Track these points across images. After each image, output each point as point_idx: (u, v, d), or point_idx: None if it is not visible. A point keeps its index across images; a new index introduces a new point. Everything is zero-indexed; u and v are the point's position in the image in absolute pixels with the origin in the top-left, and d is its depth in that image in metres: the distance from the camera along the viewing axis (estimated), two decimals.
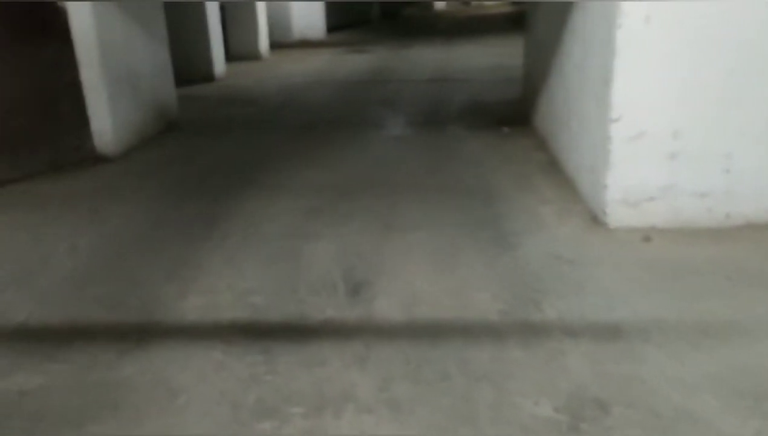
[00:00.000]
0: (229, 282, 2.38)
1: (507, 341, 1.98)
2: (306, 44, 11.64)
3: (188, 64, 7.26)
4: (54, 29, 3.77)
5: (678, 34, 2.53)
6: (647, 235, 2.66)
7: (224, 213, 3.09)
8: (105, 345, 2.00)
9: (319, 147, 4.32)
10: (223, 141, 4.62)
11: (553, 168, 3.61)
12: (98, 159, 4.05)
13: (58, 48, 3.81)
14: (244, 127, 5.11)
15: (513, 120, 4.82)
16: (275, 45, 10.68)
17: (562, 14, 3.53)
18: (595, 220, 2.82)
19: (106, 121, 4.06)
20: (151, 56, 4.73)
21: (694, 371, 1.81)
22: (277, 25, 11.24)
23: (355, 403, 1.72)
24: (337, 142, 4.47)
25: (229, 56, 9.11)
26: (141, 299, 2.27)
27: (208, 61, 7.37)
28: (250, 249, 2.67)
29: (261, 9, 9.44)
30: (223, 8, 8.11)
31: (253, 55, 9.41)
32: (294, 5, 11.63)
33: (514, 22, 13.38)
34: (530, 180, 3.46)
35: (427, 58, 8.96)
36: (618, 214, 2.72)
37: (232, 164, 4.00)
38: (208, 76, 7.36)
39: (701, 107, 2.61)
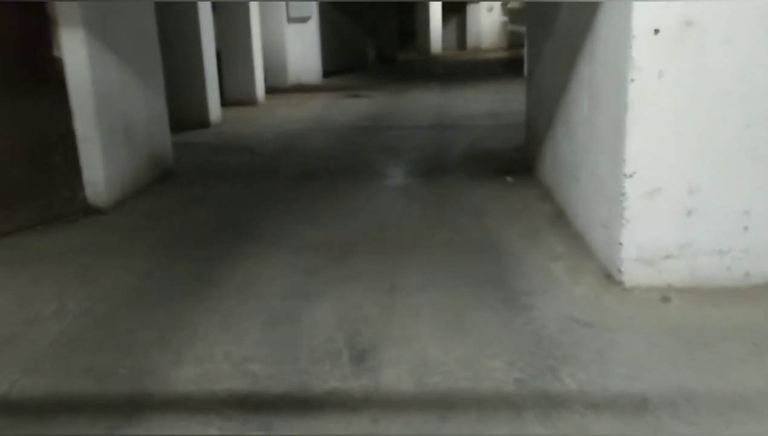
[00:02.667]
0: (226, 349, 2.23)
1: (525, 415, 1.84)
2: (302, 89, 11.67)
3: (184, 110, 7.21)
4: (49, 79, 3.70)
5: (692, 88, 2.46)
6: (665, 295, 2.54)
7: (220, 272, 2.96)
8: (92, 420, 1.85)
9: (317, 199, 4.22)
10: (219, 191, 4.51)
11: (560, 221, 3.51)
12: (90, 211, 3.93)
13: (52, 98, 3.72)
14: (240, 176, 5.02)
15: (516, 169, 4.74)
16: (271, 89, 10.70)
17: (566, 63, 3.48)
18: (609, 278, 2.70)
19: (99, 172, 3.95)
20: (146, 105, 4.66)
21: None
22: (273, 69, 11.28)
23: None
24: (337, 193, 4.37)
25: (225, 101, 9.09)
26: (132, 368, 2.12)
27: (204, 108, 7.33)
28: (248, 312, 2.53)
29: (257, 53, 9.47)
30: (218, 53, 8.11)
31: (249, 100, 9.39)
32: (290, 49, 11.70)
33: (511, 67, 13.52)
34: (538, 234, 3.35)
35: (425, 104, 8.96)
36: (634, 272, 2.60)
37: (227, 217, 3.88)
38: (204, 123, 7.31)
39: (718, 163, 2.52)
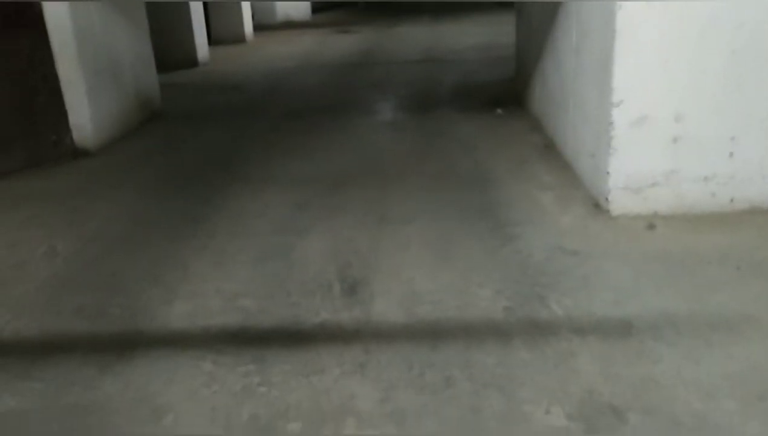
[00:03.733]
0: (218, 285, 2.25)
1: (513, 342, 1.88)
2: (291, 25, 11.40)
3: (170, 50, 7.04)
4: (27, 21, 3.59)
5: (680, 15, 2.41)
6: (651, 222, 2.56)
7: (210, 209, 2.96)
8: (84, 360, 1.87)
9: (306, 135, 4.18)
10: (208, 130, 4.47)
11: (549, 152, 3.50)
12: (78, 153, 3.89)
13: (31, 41, 3.62)
14: (229, 115, 4.96)
15: (506, 101, 4.69)
16: (259, 27, 10.44)
17: None
18: (597, 207, 2.72)
19: (84, 114, 3.89)
20: (131, 44, 4.54)
21: (711, 371, 1.71)
22: (261, 6, 10.99)
23: (356, 417, 1.61)
24: (326, 129, 4.33)
25: (213, 40, 8.89)
26: (123, 306, 2.14)
27: (191, 47, 7.16)
28: (239, 248, 2.55)
29: None
30: None
31: (237, 38, 9.18)
32: None
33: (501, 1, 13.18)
34: (527, 165, 3.34)
35: (415, 38, 8.78)
36: (620, 201, 2.61)
37: (216, 156, 3.85)
38: (192, 62, 7.16)
39: (705, 90, 2.50)
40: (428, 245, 2.49)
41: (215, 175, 3.46)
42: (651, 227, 2.54)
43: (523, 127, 4.06)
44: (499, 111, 4.48)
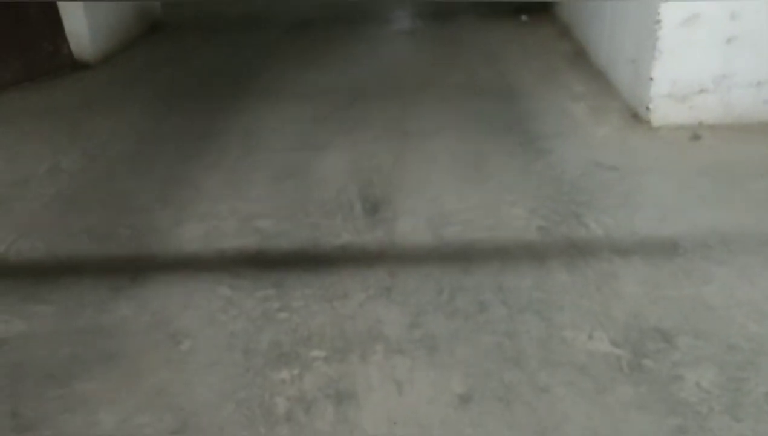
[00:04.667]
0: (232, 205, 2.12)
1: (550, 264, 1.75)
2: None
3: None
4: None
5: None
6: (696, 133, 2.37)
7: (220, 124, 2.78)
8: (95, 282, 1.77)
9: (320, 46, 3.93)
10: (213, 42, 4.21)
11: (580, 60, 3.26)
12: (76, 65, 3.68)
13: None
14: (235, 25, 4.67)
15: (532, 6, 4.37)
16: None
17: None
18: (635, 117, 2.52)
19: (81, 23, 3.65)
20: None
21: (767, 292, 1.58)
22: None
23: (384, 343, 1.51)
24: (342, 40, 4.06)
25: None
26: (133, 227, 2.02)
27: None
28: (253, 165, 2.40)
29: None
30: None
31: None
32: None
33: None
34: (556, 74, 3.11)
35: None
36: (663, 109, 2.41)
37: (224, 68, 3.63)
38: None
39: None
40: (454, 161, 2.32)
41: (225, 88, 3.26)
42: (696, 137, 2.35)
43: (551, 34, 3.78)
44: (523, 17, 4.18)
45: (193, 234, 1.96)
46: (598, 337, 1.49)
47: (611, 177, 2.13)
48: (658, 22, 2.28)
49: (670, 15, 2.27)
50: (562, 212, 1.95)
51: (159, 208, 2.11)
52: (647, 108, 2.43)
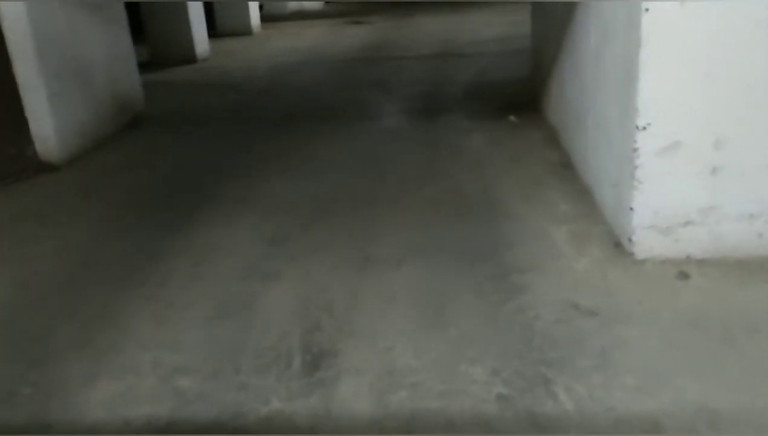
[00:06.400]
0: (157, 354, 1.87)
1: None
2: (302, 15, 11.00)
3: (166, 45, 6.71)
4: None
5: (723, 18, 1.96)
6: (683, 270, 2.13)
7: (171, 243, 2.58)
8: None
9: (298, 145, 3.79)
10: (191, 139, 4.09)
11: (567, 172, 3.06)
12: (42, 168, 3.54)
13: None
14: (219, 119, 4.58)
15: (522, 105, 4.25)
16: (269, 18, 10.06)
17: None
18: (618, 247, 2.29)
19: (47, 123, 3.53)
20: (105, 42, 4.17)
21: None
22: None
23: None
24: (320, 138, 3.93)
25: (217, 32, 8.55)
26: (38, 385, 1.77)
27: (189, 41, 6.78)
28: (194, 298, 2.17)
29: None
30: None
31: (244, 31, 8.80)
32: None
33: None
34: (541, 189, 2.91)
35: (430, 30, 8.31)
36: (647, 242, 2.18)
37: (193, 171, 3.48)
38: (190, 58, 6.78)
39: (751, 109, 2.05)
40: (415, 300, 2.08)
41: (187, 196, 3.08)
42: (683, 275, 2.11)
43: (539, 138, 3.61)
44: (512, 118, 4.04)
45: (102, 395, 1.71)
46: None
47: (589, 326, 1.88)
48: (635, 150, 2.08)
49: (647, 143, 2.07)
50: (529, 375, 1.69)
51: (74, 359, 1.87)
52: (630, 239, 2.20)
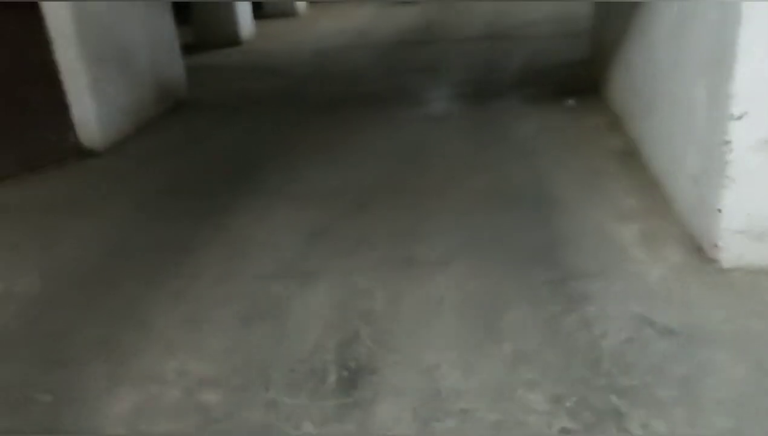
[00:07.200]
0: (182, 362, 1.72)
1: None
2: None
3: (210, 27, 6.59)
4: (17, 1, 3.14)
5: None
6: None
7: (205, 235, 2.43)
8: None
9: (341, 133, 3.59)
10: (233, 124, 3.94)
11: (632, 161, 2.78)
12: (83, 153, 3.44)
13: (23, 23, 3.17)
14: (261, 104, 4.42)
15: (580, 89, 3.94)
16: None
17: None
18: (700, 252, 2.02)
19: (89, 108, 3.43)
20: (147, 26, 4.05)
21: None
22: None
23: None
24: (365, 124, 3.72)
25: (263, 14, 8.39)
26: (57, 391, 1.64)
27: (233, 24, 6.64)
28: (224, 297, 2.01)
29: None
30: None
31: (289, 12, 8.62)
32: None
33: None
34: (603, 180, 2.64)
35: (482, 10, 7.96)
36: (735, 249, 1.90)
37: (232, 159, 3.32)
38: (234, 41, 6.65)
39: None
40: (465, 308, 1.87)
41: (225, 185, 2.93)
42: None
43: (599, 124, 3.32)
44: (570, 102, 3.75)
45: (122, 407, 1.56)
46: None
47: (667, 348, 1.63)
48: (727, 143, 1.80)
49: (743, 135, 1.78)
50: (597, 407, 1.46)
51: (95, 361, 1.73)
52: (715, 245, 1.92)
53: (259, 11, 8.11)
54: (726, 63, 1.78)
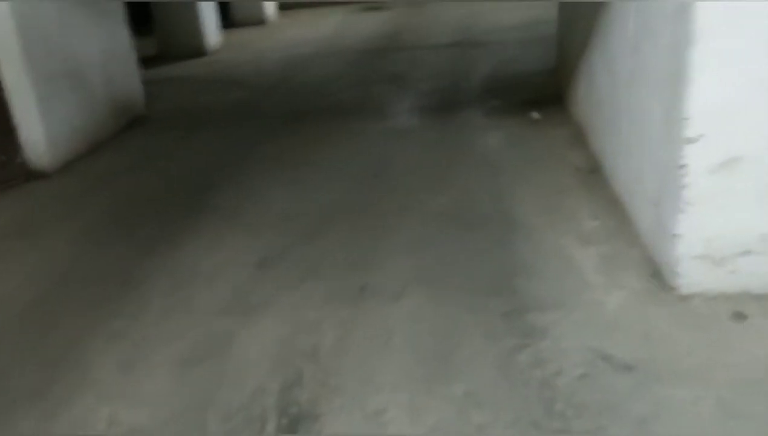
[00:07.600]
0: (114, 410, 1.61)
1: None
2: (320, 2, 10.65)
3: (173, 38, 6.44)
4: None
5: None
6: (739, 309, 1.79)
7: (152, 265, 2.33)
8: None
9: (303, 149, 3.49)
10: (192, 141, 3.83)
11: (595, 179, 2.72)
12: (31, 175, 3.31)
13: None
14: (223, 118, 4.30)
15: (545, 100, 3.89)
16: (286, 5, 9.74)
17: None
18: (658, 277, 1.95)
19: (37, 128, 3.30)
20: (101, 39, 3.92)
21: None
22: None
23: None
24: (329, 139, 3.62)
25: (231, 22, 8.26)
26: None
27: (198, 33, 6.49)
28: (166, 336, 1.90)
29: None
30: None
31: (258, 20, 8.48)
32: None
33: None
34: (565, 199, 2.58)
35: (450, 16, 7.90)
36: (694, 275, 1.84)
37: (189, 178, 3.21)
38: (199, 51, 6.50)
39: None
40: (416, 344, 1.78)
41: (179, 207, 2.83)
42: (740, 316, 1.77)
43: (563, 137, 3.27)
44: (534, 114, 3.69)
45: None
46: None
47: (623, 386, 1.55)
48: (683, 166, 1.74)
49: (698, 158, 1.72)
50: None
51: (24, 408, 1.62)
52: (674, 271, 1.86)
53: (226, 20, 7.98)
54: (680, 83, 1.72)
